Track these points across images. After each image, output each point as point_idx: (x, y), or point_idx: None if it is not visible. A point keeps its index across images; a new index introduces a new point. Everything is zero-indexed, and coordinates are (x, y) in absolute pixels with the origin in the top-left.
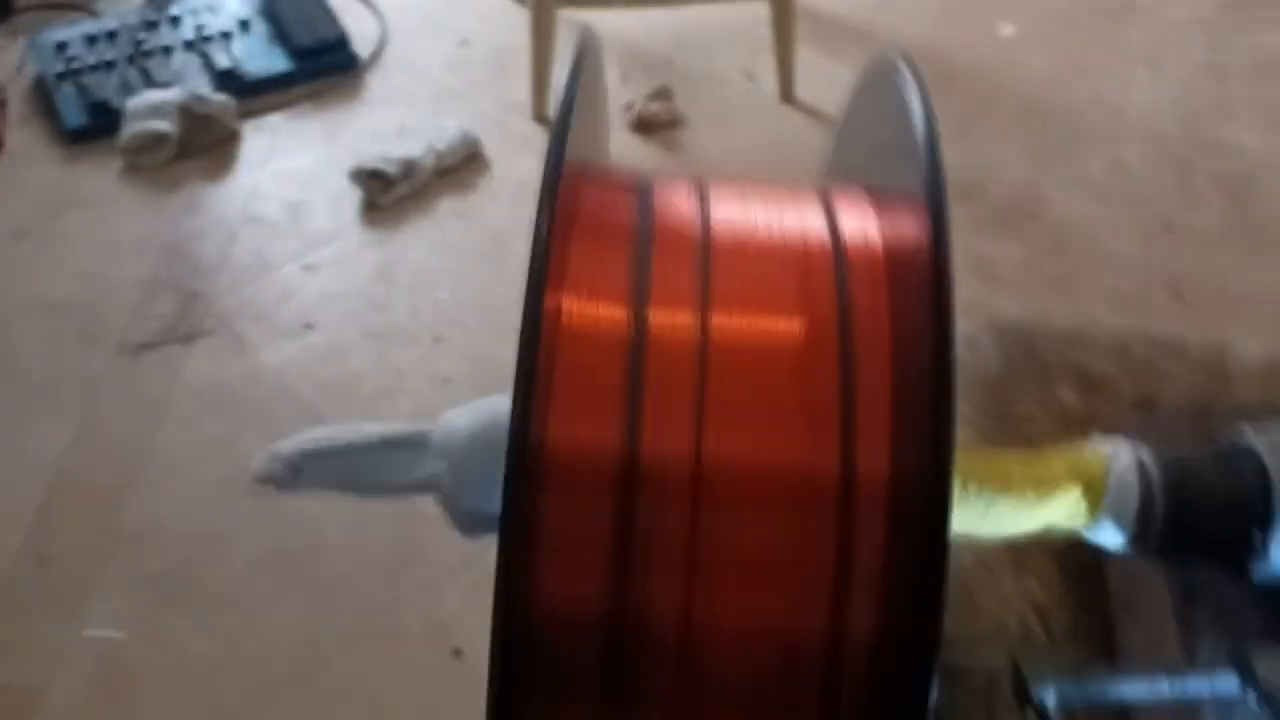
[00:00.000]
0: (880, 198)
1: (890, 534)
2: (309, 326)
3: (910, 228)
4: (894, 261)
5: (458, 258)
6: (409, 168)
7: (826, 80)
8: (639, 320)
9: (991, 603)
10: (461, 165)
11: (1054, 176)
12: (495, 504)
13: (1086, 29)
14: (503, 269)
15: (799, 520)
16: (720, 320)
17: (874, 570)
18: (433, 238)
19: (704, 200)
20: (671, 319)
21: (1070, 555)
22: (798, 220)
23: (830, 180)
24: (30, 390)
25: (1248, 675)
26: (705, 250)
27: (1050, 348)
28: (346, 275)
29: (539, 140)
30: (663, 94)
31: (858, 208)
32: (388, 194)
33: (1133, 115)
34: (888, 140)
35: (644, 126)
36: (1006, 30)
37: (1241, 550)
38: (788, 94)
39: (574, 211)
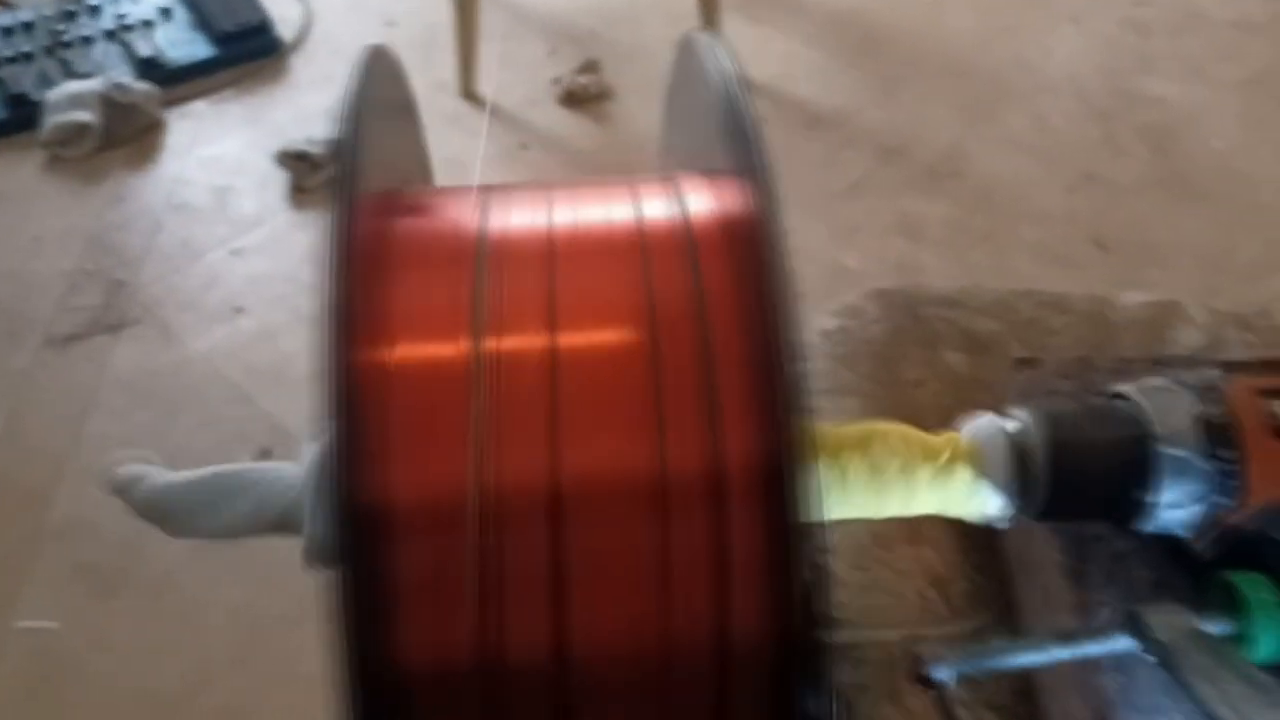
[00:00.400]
0: (711, 178)
1: (758, 526)
2: (238, 311)
3: (738, 205)
4: (733, 246)
5: None
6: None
7: (755, 49)
8: (474, 348)
9: (889, 576)
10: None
11: (979, 134)
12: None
13: None
14: None
15: (664, 524)
16: (562, 334)
17: (749, 566)
18: None
19: (536, 209)
20: (508, 341)
21: (965, 526)
22: (631, 210)
23: (666, 156)
24: None
25: (1141, 633)
26: (542, 262)
27: (935, 311)
28: (275, 259)
29: (468, 118)
30: (590, 67)
31: (689, 188)
32: (314, 176)
33: (1056, 71)
34: (706, 116)
35: (572, 100)
36: None
37: (1128, 507)
38: None
39: (383, 241)
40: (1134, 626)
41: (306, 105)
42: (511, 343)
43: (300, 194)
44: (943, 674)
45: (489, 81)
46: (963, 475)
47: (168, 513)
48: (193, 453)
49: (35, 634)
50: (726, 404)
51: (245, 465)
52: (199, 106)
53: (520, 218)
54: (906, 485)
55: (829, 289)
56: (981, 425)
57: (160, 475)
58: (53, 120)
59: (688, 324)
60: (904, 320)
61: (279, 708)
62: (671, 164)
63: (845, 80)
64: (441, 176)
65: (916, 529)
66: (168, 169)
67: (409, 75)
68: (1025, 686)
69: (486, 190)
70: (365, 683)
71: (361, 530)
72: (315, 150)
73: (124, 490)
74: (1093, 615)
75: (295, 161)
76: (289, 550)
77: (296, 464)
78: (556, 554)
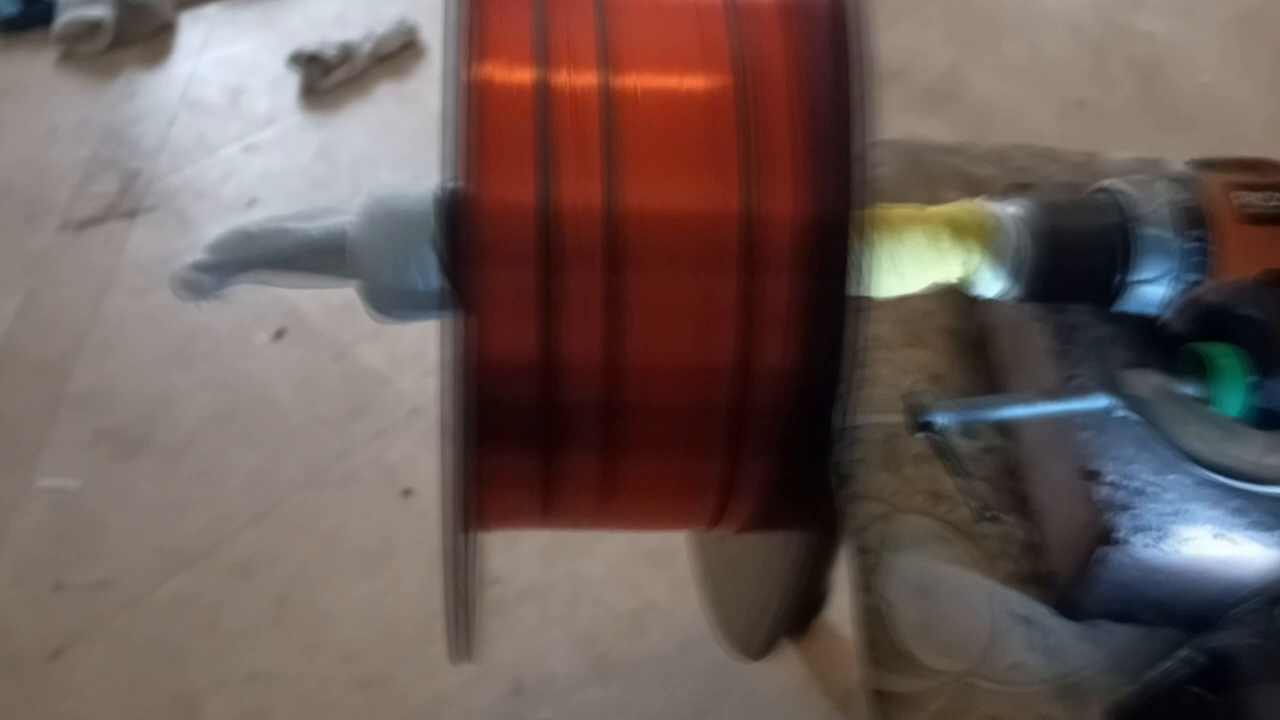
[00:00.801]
0: None
1: (798, 274)
2: (252, 203)
3: None
4: (793, 6)
5: (397, 140)
6: (347, 52)
7: None
8: (544, 82)
9: (889, 373)
10: (399, 51)
11: (976, 61)
12: (409, 280)
13: None
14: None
15: (707, 265)
16: (624, 75)
17: (782, 302)
18: (372, 121)
19: None
20: (576, 78)
21: (959, 331)
22: None
23: None
24: None
25: (1117, 391)
26: (602, 9)
27: (936, 158)
28: (287, 156)
29: None
30: None
31: None
32: (326, 78)
33: (1051, 5)
34: None
35: None
36: None
37: (1107, 284)
38: None
39: None
40: (1113, 386)
41: (318, 11)
42: (577, 80)
43: (312, 95)
44: (940, 419)
45: None
46: (967, 246)
47: (231, 248)
48: (210, 331)
49: (56, 492)
50: (770, 157)
51: (306, 227)
52: (211, 10)
53: None
54: (920, 253)
55: None
56: (984, 204)
57: (230, 238)
58: (66, 16)
59: (740, 76)
60: (906, 165)
61: (297, 561)
62: None
63: None
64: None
65: (914, 333)
66: (181, 67)
67: None
68: (1008, 464)
69: None
70: (467, 372)
71: (467, 247)
72: (328, 52)
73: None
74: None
75: (308, 63)
76: (303, 417)
77: (347, 216)
78: (611, 280)
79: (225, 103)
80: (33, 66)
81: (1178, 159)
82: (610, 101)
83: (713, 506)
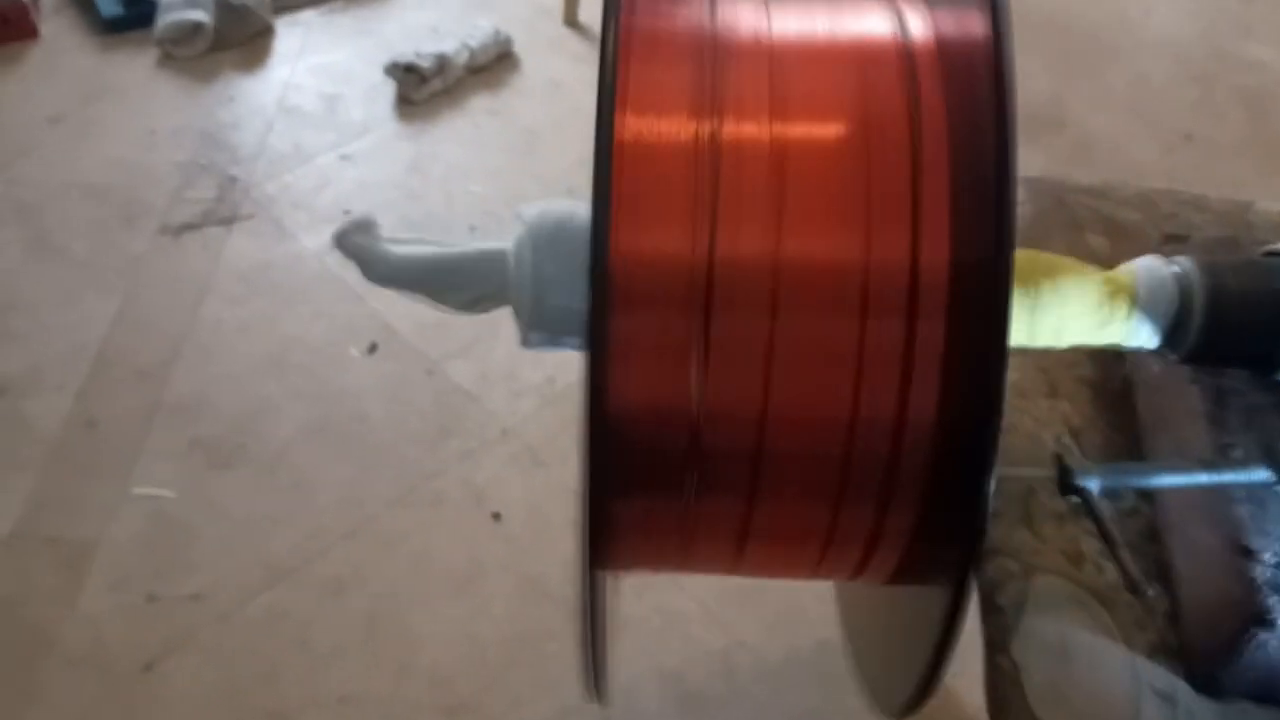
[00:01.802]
0: (935, 3)
1: (952, 319)
2: (347, 213)
3: (968, 26)
4: (952, 59)
5: (490, 153)
6: (442, 63)
7: None
8: (708, 130)
9: (1028, 423)
10: (493, 64)
11: (1077, 89)
12: (568, 299)
13: None
14: (534, 164)
15: (865, 314)
16: (787, 126)
17: (935, 355)
18: (465, 133)
19: (765, 8)
20: (739, 127)
21: (1101, 384)
22: (856, 25)
23: None
24: (73, 268)
25: (1278, 463)
26: (770, 59)
27: (1079, 199)
28: (382, 166)
29: (569, 42)
30: None
31: (914, 11)
32: (421, 89)
33: (1156, 32)
34: None
35: None
36: None
37: (1272, 354)
38: None
39: (633, 32)
40: (1274, 460)
41: (413, 21)
42: (741, 129)
43: (407, 105)
44: (1088, 483)
45: (593, 10)
46: (1124, 305)
47: (398, 282)
48: (305, 342)
49: (152, 500)
50: (930, 207)
51: (462, 247)
52: (308, 15)
53: (749, 21)
54: (1073, 307)
55: None
56: (1146, 264)
57: (389, 247)
58: (167, 19)
59: (900, 129)
60: (1049, 205)
61: (386, 580)
62: None
63: None
64: (545, 97)
65: (1054, 384)
66: (278, 74)
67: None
68: (1150, 529)
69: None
70: (599, 423)
71: (607, 292)
72: (423, 63)
73: (357, 253)
74: (1230, 455)
75: (403, 74)
76: (394, 434)
77: (505, 246)
78: (771, 327)
79: (321, 110)
80: (133, 68)
81: None
82: (773, 151)
83: (856, 558)
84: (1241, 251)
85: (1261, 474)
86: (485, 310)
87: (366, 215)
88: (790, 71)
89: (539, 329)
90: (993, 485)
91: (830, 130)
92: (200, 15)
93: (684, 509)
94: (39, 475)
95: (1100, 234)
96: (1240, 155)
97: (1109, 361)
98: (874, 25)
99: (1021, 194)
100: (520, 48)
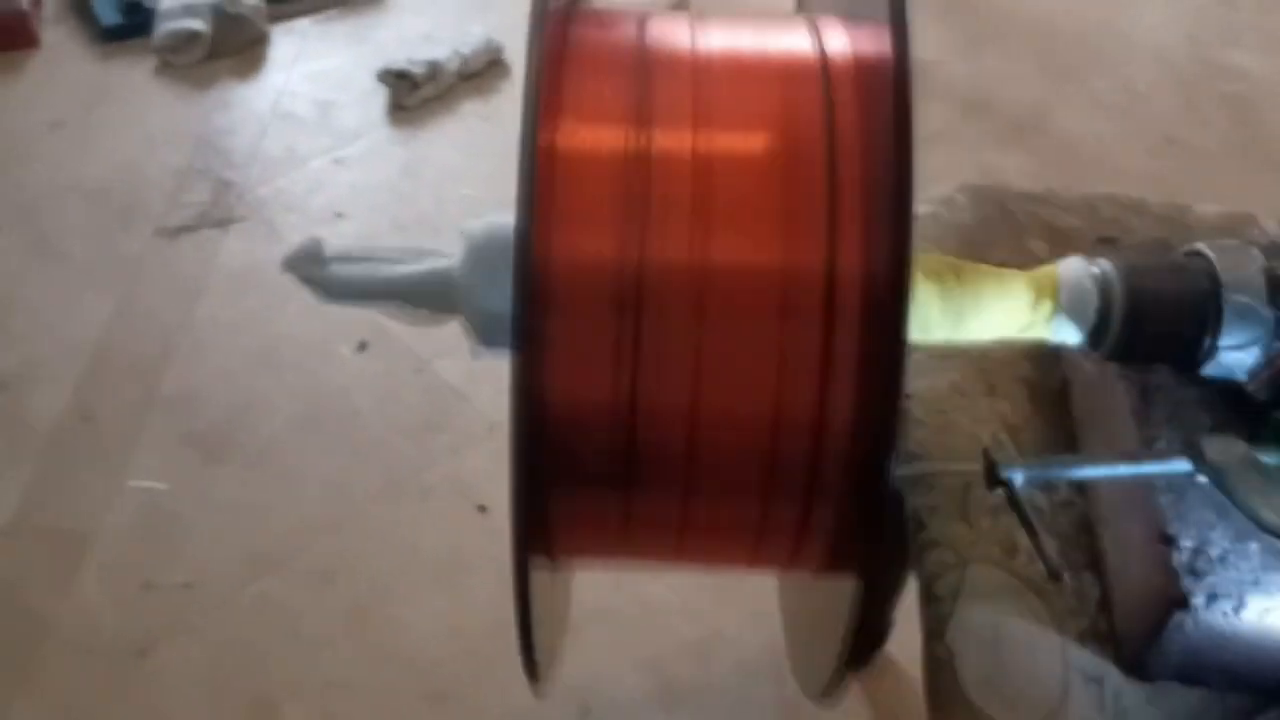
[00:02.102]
0: (848, 20)
1: (865, 321)
2: (339, 216)
3: (876, 43)
4: (864, 74)
5: (482, 158)
6: (434, 70)
7: None
8: (634, 139)
9: (966, 422)
10: (485, 70)
11: (1063, 94)
12: (506, 304)
13: None
14: None
15: (786, 318)
16: (713, 137)
17: (850, 360)
18: (457, 138)
19: (693, 28)
20: (665, 137)
21: (1038, 382)
22: (776, 42)
23: (803, 4)
24: (72, 268)
25: (1198, 458)
26: (697, 73)
27: (1021, 206)
28: (374, 170)
29: None
30: None
31: (829, 29)
32: (414, 95)
33: (1142, 39)
34: None
35: None
36: None
37: (1193, 350)
38: None
39: (564, 45)
40: (1193, 451)
41: (407, 28)
42: (665, 141)
43: (400, 111)
44: (1015, 476)
45: None
46: (1047, 306)
47: (350, 301)
48: (297, 340)
49: (146, 492)
50: (845, 216)
51: (410, 264)
52: (303, 24)
53: (675, 37)
54: (997, 306)
55: (925, 194)
56: (1068, 265)
57: (337, 272)
58: (165, 27)
59: (819, 143)
60: (992, 211)
61: (374, 571)
62: (809, 8)
63: (931, 35)
64: None
65: (993, 383)
66: (273, 80)
67: (506, 4)
68: (1083, 521)
69: (662, 12)
70: (530, 426)
71: (535, 295)
72: (416, 70)
73: (307, 280)
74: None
75: (396, 80)
76: (382, 428)
77: (450, 262)
78: (696, 330)
79: (315, 116)
80: (131, 75)
81: (1271, 200)
82: (698, 161)
83: (787, 549)
84: (1172, 250)
85: (1181, 465)
86: (440, 322)
87: (312, 240)
88: (716, 86)
89: (488, 341)
90: (893, 477)
91: (753, 142)
92: (197, 24)
93: (623, 501)
94: (37, 468)
95: (1041, 239)
96: (1223, 160)
97: (1046, 361)
98: (796, 43)
99: (965, 200)
100: (511, 55)
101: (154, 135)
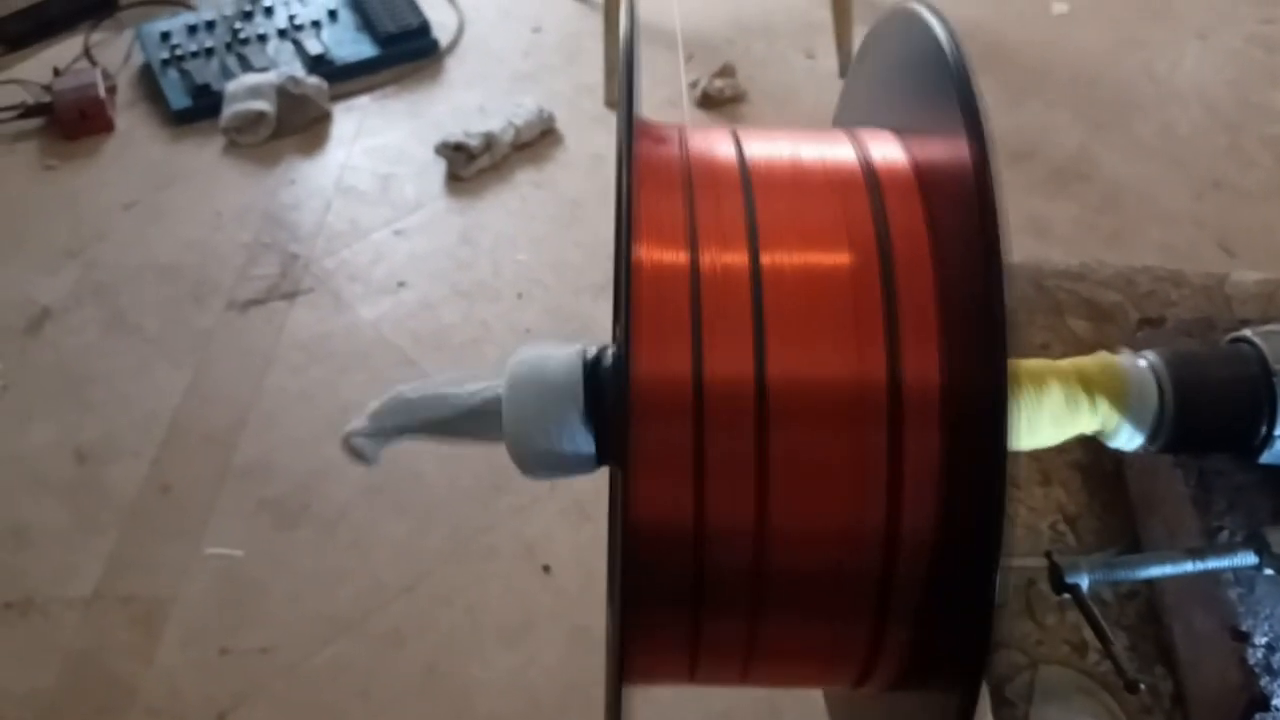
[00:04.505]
0: (905, 130)
1: (943, 438)
2: (401, 284)
3: (944, 149)
4: (928, 181)
5: (536, 223)
6: (489, 141)
7: None
8: (698, 259)
9: (1024, 513)
10: (538, 140)
11: (1106, 141)
12: (558, 444)
13: (1137, 5)
14: (577, 233)
15: (853, 429)
16: (769, 252)
17: (926, 472)
18: (512, 206)
19: (741, 145)
20: (725, 256)
21: (1092, 467)
22: (830, 154)
23: (843, 121)
24: (147, 343)
25: (1265, 550)
26: (749, 188)
27: (1058, 283)
28: (434, 239)
29: (610, 120)
30: (726, 71)
31: (881, 140)
32: (470, 166)
33: (1183, 83)
34: (907, 76)
35: (709, 102)
36: (1059, 8)
37: (1249, 439)
38: (845, 70)
39: (641, 166)
40: (1257, 543)
41: (462, 102)
42: (727, 257)
43: (456, 181)
44: (1079, 580)
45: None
46: (1105, 407)
47: (393, 415)
48: (363, 406)
49: (222, 559)
50: (912, 326)
51: (458, 398)
52: (363, 101)
53: (719, 150)
54: (1064, 414)
55: None
56: (1118, 363)
57: (385, 421)
58: (232, 109)
59: (873, 251)
60: (1029, 290)
61: (443, 631)
62: (854, 123)
63: None
64: (587, 171)
65: (1047, 472)
66: (335, 156)
67: (555, 77)
68: (1150, 610)
69: (711, 129)
70: (627, 541)
71: (629, 416)
72: (471, 142)
73: (359, 452)
74: (1215, 539)
75: (453, 152)
76: (447, 491)
77: (499, 393)
78: (760, 445)
79: (376, 189)
80: (201, 155)
81: None
82: (758, 277)
83: (857, 670)
84: (1216, 330)
85: (1247, 557)
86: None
87: (378, 414)
88: (771, 200)
89: (531, 473)
90: (999, 591)
91: (812, 255)
92: (263, 105)
93: (690, 627)
94: (118, 538)
95: (1081, 317)
96: (1268, 201)
97: (1097, 444)
98: (845, 154)
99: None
100: (563, 124)
101: (223, 212)
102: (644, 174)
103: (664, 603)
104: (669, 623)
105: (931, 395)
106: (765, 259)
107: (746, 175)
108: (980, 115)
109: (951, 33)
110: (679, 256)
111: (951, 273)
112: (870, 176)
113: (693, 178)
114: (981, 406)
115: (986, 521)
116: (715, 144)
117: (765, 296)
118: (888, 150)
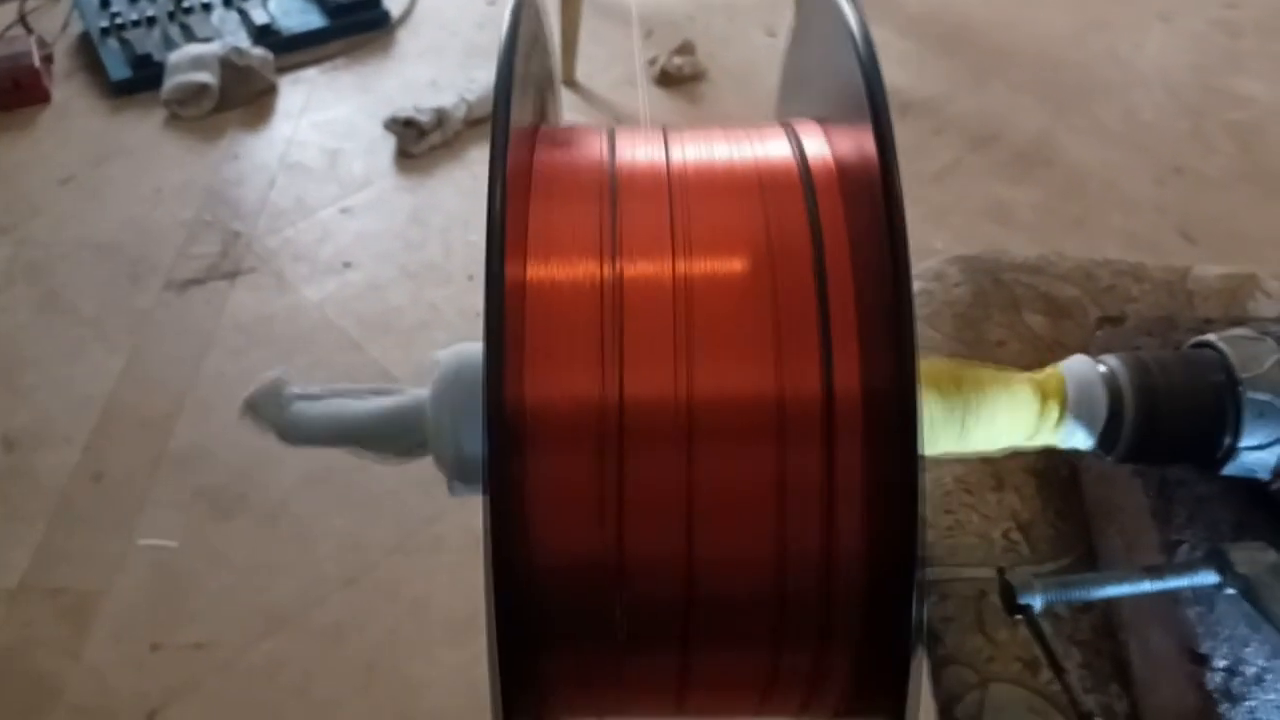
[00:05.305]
0: (828, 124)
1: (867, 450)
2: (347, 265)
3: (855, 143)
4: (848, 185)
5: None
6: (441, 117)
7: None
8: (609, 270)
9: (975, 520)
10: (491, 116)
11: (1070, 125)
12: (478, 445)
13: None
14: None
15: (783, 447)
16: (691, 260)
17: (855, 487)
18: (464, 184)
19: (666, 146)
20: (641, 265)
21: (1047, 473)
22: (752, 154)
23: (781, 111)
24: (82, 324)
25: (1226, 569)
26: (668, 195)
27: (1016, 276)
28: (382, 218)
29: (565, 98)
30: (685, 49)
31: (811, 133)
32: (421, 142)
33: (1146, 67)
34: (831, 67)
35: (667, 80)
36: None
37: (1212, 448)
38: None
39: (529, 173)
40: (1218, 562)
41: (413, 76)
42: (642, 268)
43: (406, 158)
44: (1032, 600)
45: (588, 67)
46: (1054, 411)
47: (315, 443)
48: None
49: (156, 550)
50: (839, 335)
51: (379, 400)
52: (310, 74)
53: (647, 154)
54: (1002, 417)
55: (915, 268)
56: (1073, 366)
57: (302, 410)
58: (174, 80)
59: (804, 259)
60: (986, 284)
61: (386, 627)
62: (787, 115)
63: (937, 70)
64: None
65: (1001, 477)
66: (281, 130)
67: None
68: (1105, 624)
69: (614, 130)
70: (504, 581)
71: (507, 438)
72: (421, 118)
73: (269, 423)
74: (1175, 554)
75: (402, 128)
76: (394, 481)
77: (419, 389)
78: (686, 467)
79: (323, 165)
80: (141, 128)
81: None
82: (677, 286)
83: (799, 699)
84: (1178, 329)
85: (1208, 576)
86: (413, 460)
87: (277, 377)
88: (693, 203)
89: (462, 479)
90: (919, 621)
91: (736, 263)
92: (206, 76)
93: (617, 660)
94: (46, 528)
95: (1039, 312)
96: (1230, 187)
97: (1054, 449)
98: (772, 153)
99: (957, 274)
100: None
101: (163, 188)
102: (544, 184)
103: (581, 640)
104: (590, 661)
105: (855, 409)
106: (686, 269)
107: (670, 180)
108: (884, 111)
109: (862, 18)
110: (579, 270)
111: (868, 278)
112: (805, 177)
113: (617, 184)
114: (897, 418)
115: (904, 539)
116: (642, 146)
117: (687, 310)
118: (816, 146)
